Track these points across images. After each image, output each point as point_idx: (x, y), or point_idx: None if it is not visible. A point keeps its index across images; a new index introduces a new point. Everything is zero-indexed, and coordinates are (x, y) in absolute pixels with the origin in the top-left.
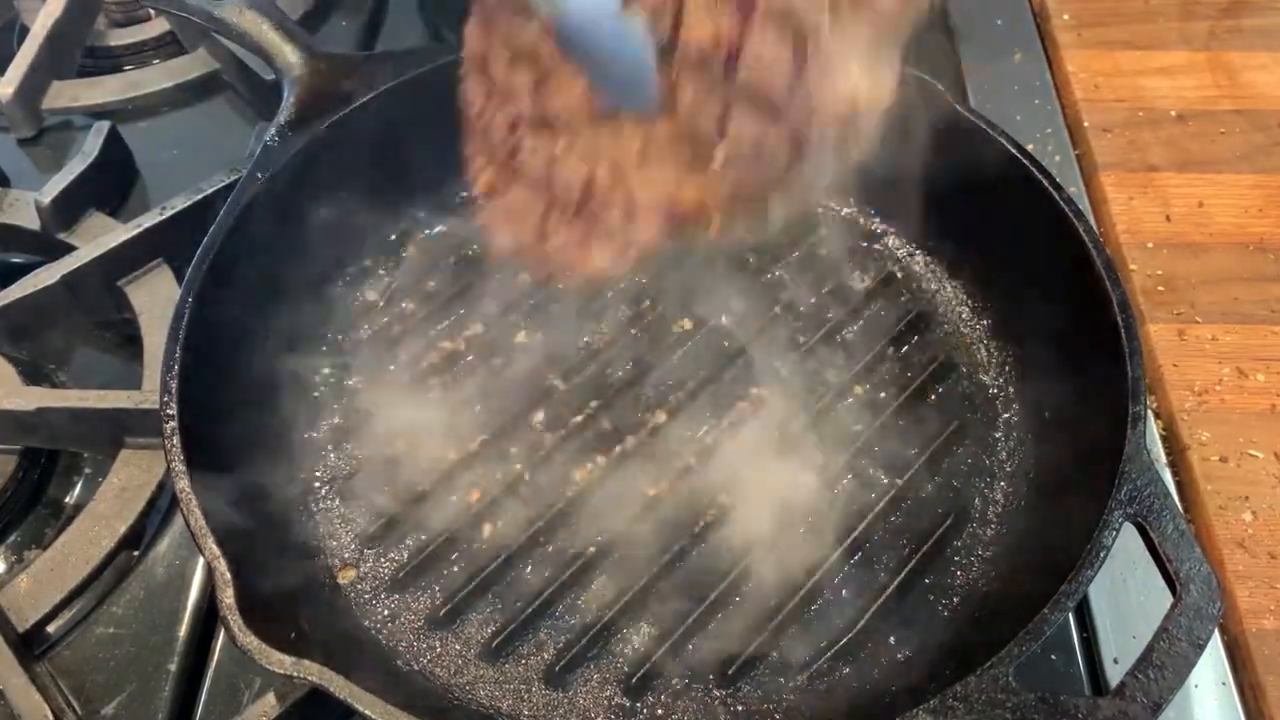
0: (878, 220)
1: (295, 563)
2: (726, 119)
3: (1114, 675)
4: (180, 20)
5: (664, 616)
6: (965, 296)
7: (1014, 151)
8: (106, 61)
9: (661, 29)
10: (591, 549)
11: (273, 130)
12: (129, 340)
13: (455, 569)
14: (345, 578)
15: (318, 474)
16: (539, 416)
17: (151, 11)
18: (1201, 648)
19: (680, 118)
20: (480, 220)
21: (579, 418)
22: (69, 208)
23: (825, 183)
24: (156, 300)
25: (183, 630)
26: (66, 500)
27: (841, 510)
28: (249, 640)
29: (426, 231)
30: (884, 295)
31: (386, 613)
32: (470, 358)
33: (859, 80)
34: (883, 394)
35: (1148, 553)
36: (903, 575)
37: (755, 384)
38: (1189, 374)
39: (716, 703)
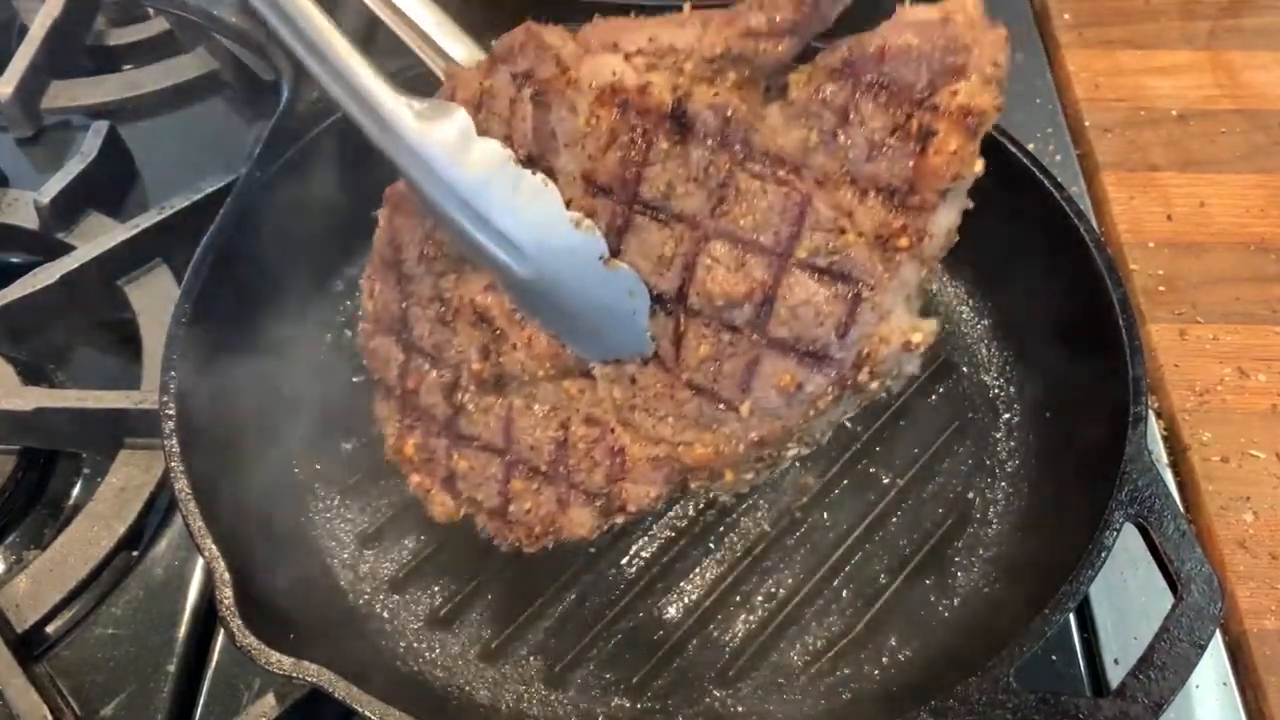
0: None
1: (295, 563)
2: (754, 370)
3: (1115, 676)
4: (179, 20)
5: (663, 617)
6: (965, 296)
7: (1015, 151)
8: (105, 61)
9: (667, 282)
10: (591, 549)
11: (271, 129)
12: (128, 340)
13: (455, 569)
14: (345, 578)
15: (318, 473)
16: None
17: (150, 11)
18: (1203, 648)
19: (686, 369)
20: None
21: None
22: (68, 207)
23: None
24: (155, 300)
25: (182, 631)
26: (65, 501)
27: (842, 510)
28: (248, 640)
29: None
30: None
31: (386, 613)
32: None
33: (909, 319)
34: (883, 394)
35: (1149, 553)
36: (903, 575)
37: None
38: (1190, 374)
39: (716, 703)
